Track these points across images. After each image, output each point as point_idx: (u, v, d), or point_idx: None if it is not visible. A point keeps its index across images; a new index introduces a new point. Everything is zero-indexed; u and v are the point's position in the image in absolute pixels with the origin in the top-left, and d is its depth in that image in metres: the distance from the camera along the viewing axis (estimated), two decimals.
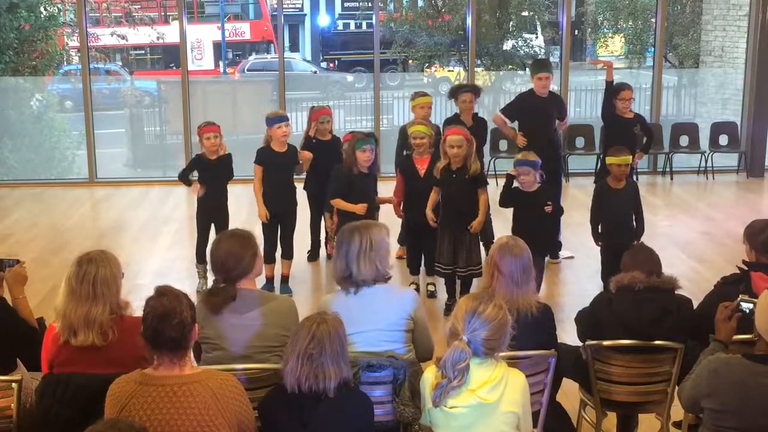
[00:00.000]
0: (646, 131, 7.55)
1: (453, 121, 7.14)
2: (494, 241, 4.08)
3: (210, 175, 6.85)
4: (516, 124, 7.71)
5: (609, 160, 6.30)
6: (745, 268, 4.16)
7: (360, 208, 6.13)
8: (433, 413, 3.18)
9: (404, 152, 7.10)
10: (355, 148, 6.23)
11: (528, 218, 6.08)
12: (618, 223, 6.28)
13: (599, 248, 6.42)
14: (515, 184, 6.25)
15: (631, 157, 6.36)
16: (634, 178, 6.81)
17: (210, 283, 6.59)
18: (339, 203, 6.33)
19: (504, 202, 6.30)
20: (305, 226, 7.56)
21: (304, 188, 7.28)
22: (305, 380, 3.04)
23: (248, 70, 21.98)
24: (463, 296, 3.31)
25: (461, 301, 3.23)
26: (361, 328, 3.70)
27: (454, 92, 7.30)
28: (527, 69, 7.65)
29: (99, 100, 14.33)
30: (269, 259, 6.76)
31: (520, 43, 21.35)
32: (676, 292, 4.06)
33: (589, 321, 4.14)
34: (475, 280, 6.38)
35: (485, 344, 3.10)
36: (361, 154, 6.22)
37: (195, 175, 7.02)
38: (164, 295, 3.03)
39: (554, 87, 12.46)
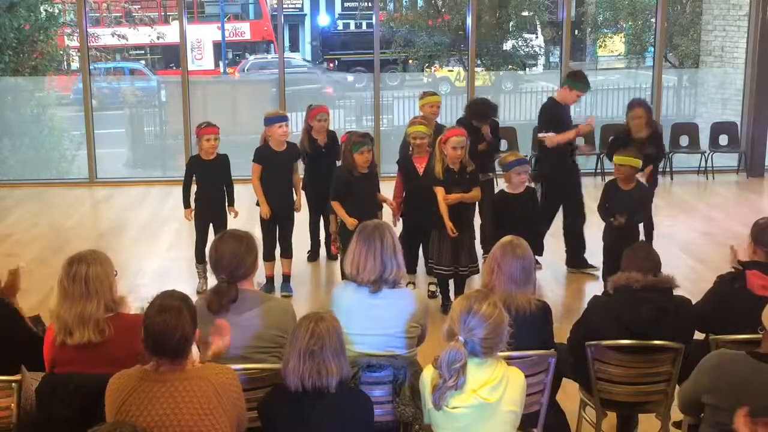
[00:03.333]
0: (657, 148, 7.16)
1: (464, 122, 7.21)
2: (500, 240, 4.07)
3: (207, 175, 6.85)
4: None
5: (615, 159, 6.28)
6: (740, 267, 4.17)
7: (351, 222, 6.02)
8: (433, 413, 3.18)
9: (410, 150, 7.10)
10: (352, 151, 6.21)
11: (514, 220, 6.00)
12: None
13: (602, 248, 6.42)
14: (502, 187, 6.28)
15: (639, 161, 6.26)
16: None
17: (210, 282, 6.64)
18: (337, 208, 6.31)
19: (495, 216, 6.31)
20: (305, 226, 7.56)
21: (303, 188, 7.28)
22: (308, 377, 3.05)
23: (248, 70, 21.99)
24: (458, 297, 3.32)
25: (456, 302, 3.25)
26: (370, 331, 3.73)
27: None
28: (571, 82, 7.23)
29: (128, 99, 14.41)
30: (268, 257, 6.76)
31: (520, 43, 21.35)
32: (674, 291, 4.06)
33: (585, 329, 4.12)
34: (470, 279, 6.40)
35: (483, 343, 3.10)
36: (359, 156, 6.20)
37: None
38: (166, 311, 3.01)
39: (554, 87, 12.54)
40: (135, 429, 2.66)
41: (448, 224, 6.17)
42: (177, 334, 2.97)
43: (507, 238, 3.98)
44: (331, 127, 7.50)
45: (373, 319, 3.75)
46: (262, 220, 6.77)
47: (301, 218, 7.22)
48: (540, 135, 7.16)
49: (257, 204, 6.79)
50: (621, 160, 6.21)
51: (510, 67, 20.56)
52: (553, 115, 7.24)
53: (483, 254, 7.02)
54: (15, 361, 3.73)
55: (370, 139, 6.46)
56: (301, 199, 7.05)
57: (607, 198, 6.35)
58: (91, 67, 18.47)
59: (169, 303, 3.05)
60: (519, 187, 6.11)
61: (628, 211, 6.15)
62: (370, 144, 6.35)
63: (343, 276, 4.09)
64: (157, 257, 8.11)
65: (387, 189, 6.92)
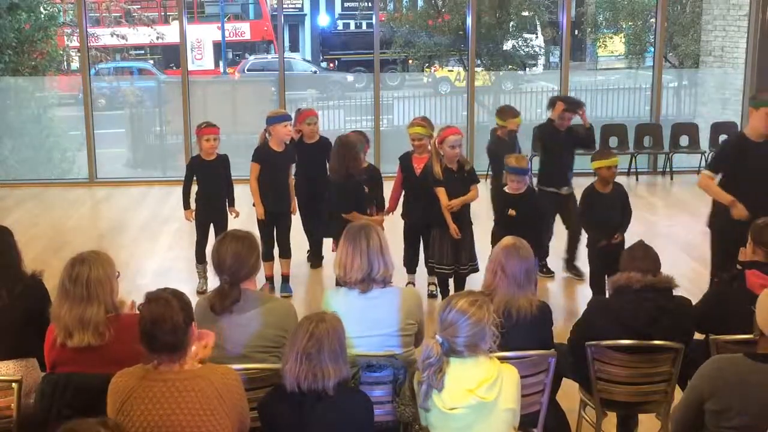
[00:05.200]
0: None
1: (546, 127, 7.18)
2: (500, 242, 4.07)
3: (208, 175, 6.85)
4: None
5: (596, 164, 6.17)
6: (740, 267, 4.18)
7: (381, 219, 6.24)
8: (430, 414, 3.19)
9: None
10: (359, 151, 6.21)
11: (514, 220, 5.97)
12: (604, 228, 6.14)
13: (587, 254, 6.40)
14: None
15: (617, 158, 6.24)
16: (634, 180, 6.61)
17: (209, 282, 6.65)
18: (356, 217, 5.98)
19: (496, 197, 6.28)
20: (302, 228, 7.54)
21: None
22: (304, 379, 3.05)
23: (248, 70, 22.00)
24: None
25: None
26: (367, 333, 3.73)
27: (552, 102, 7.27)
28: (753, 102, 5.73)
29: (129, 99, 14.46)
30: (267, 257, 6.75)
31: (520, 43, 21.35)
32: (674, 291, 4.06)
33: (585, 329, 4.12)
34: (472, 278, 6.39)
35: (461, 341, 3.12)
36: (363, 155, 6.28)
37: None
38: (153, 301, 3.03)
39: (554, 87, 12.54)
40: (106, 424, 2.61)
41: (452, 227, 6.18)
42: (167, 323, 2.97)
43: (509, 239, 3.97)
44: (327, 128, 7.49)
45: (367, 320, 3.75)
46: (259, 220, 6.76)
47: (299, 222, 7.20)
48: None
49: (253, 205, 6.80)
50: (605, 163, 6.14)
51: (510, 67, 20.55)
52: (735, 153, 5.61)
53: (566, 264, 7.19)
54: (33, 345, 3.75)
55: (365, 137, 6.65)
56: (295, 201, 7.02)
57: (587, 204, 6.26)
58: (99, 67, 18.53)
59: (157, 295, 3.06)
60: (517, 189, 6.07)
61: (608, 216, 6.11)
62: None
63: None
64: (157, 257, 8.11)
65: (389, 189, 6.91)
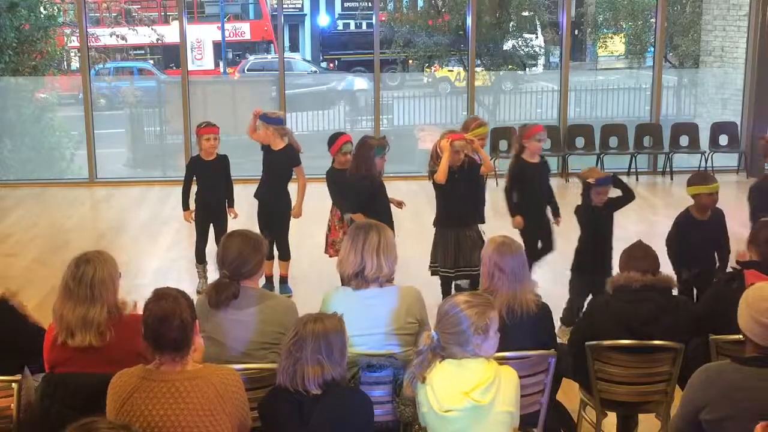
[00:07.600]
0: None
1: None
2: (487, 241, 4.04)
3: (207, 175, 6.85)
4: None
5: (695, 189, 5.44)
6: (739, 267, 4.18)
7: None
8: (428, 417, 3.18)
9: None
10: (376, 154, 6.14)
11: (600, 234, 5.84)
12: (696, 257, 5.53)
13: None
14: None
15: (718, 183, 5.44)
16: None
17: (210, 282, 6.64)
18: (360, 218, 5.89)
19: (583, 216, 5.86)
20: (302, 228, 7.52)
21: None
22: (285, 376, 3.07)
23: (248, 70, 22.00)
24: None
25: None
26: (365, 332, 3.72)
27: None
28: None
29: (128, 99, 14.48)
30: (266, 257, 6.72)
31: (520, 43, 21.33)
32: (673, 291, 4.07)
33: (585, 329, 4.12)
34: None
35: (448, 339, 3.12)
36: (380, 160, 6.17)
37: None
38: (162, 298, 3.04)
39: (554, 87, 12.52)
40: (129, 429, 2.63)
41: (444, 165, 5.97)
42: (176, 320, 2.98)
43: (498, 239, 3.95)
44: (327, 128, 7.45)
45: (365, 319, 3.74)
46: (258, 220, 6.76)
47: (299, 222, 7.19)
48: None
49: (254, 196, 6.77)
50: (706, 189, 5.40)
51: (510, 67, 20.53)
52: None
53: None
54: (20, 359, 3.73)
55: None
56: (300, 205, 6.87)
57: (684, 234, 5.55)
58: (99, 67, 18.51)
59: (165, 292, 3.08)
60: (602, 201, 5.87)
61: (703, 245, 5.48)
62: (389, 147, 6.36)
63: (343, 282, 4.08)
64: (157, 257, 8.12)
65: (390, 189, 6.90)
